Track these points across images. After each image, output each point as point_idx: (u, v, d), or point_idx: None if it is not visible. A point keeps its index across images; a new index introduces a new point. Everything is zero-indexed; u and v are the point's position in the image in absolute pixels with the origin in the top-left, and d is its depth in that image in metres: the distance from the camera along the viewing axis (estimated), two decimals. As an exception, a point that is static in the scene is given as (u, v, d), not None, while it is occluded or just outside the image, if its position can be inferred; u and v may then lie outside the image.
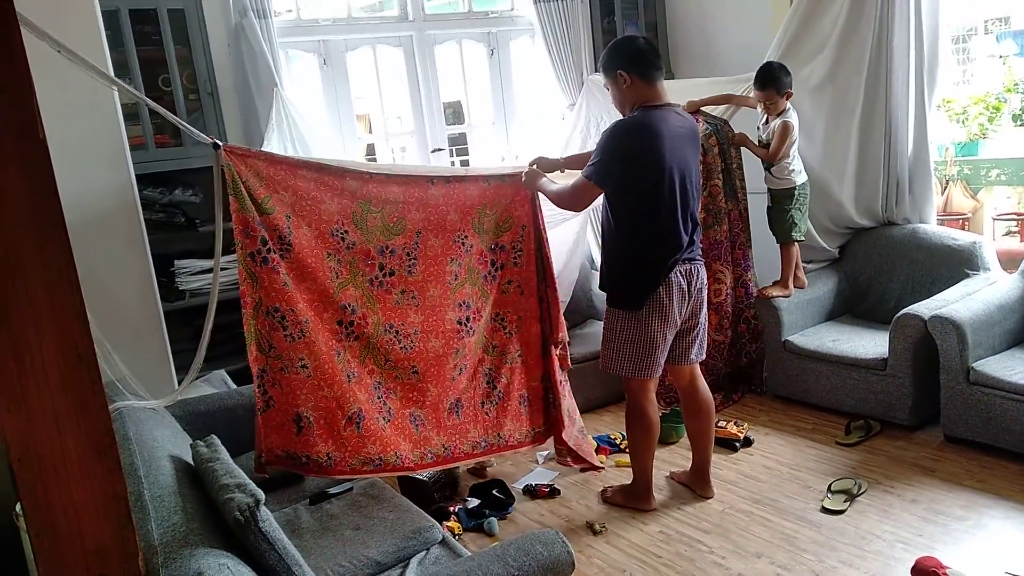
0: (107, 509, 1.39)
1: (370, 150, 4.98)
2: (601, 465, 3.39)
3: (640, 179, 2.68)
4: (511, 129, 4.78)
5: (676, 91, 4.27)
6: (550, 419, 3.17)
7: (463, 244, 2.92)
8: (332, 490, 2.61)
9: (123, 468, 1.82)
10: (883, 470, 3.16)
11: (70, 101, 2.79)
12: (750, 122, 3.83)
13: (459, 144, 5.00)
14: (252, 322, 2.48)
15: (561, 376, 3.17)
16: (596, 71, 2.90)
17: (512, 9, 4.67)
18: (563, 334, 3.15)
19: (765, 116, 3.65)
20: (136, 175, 3.30)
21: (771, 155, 3.62)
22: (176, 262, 3.70)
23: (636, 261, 2.80)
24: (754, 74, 3.62)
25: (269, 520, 1.55)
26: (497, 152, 4.79)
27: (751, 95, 3.66)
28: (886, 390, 3.47)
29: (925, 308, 3.37)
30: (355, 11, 4.28)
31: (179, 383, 3.21)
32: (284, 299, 2.52)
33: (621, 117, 2.80)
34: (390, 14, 4.41)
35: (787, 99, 3.59)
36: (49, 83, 2.73)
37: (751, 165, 3.89)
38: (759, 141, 3.73)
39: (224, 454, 1.87)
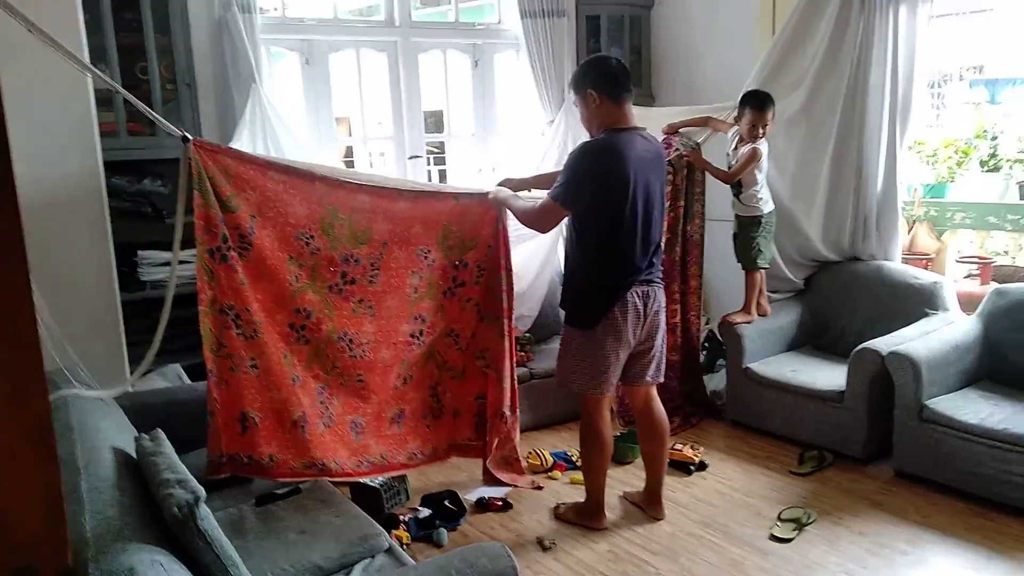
0: (38, 499, 1.36)
1: (348, 152, 4.97)
2: (524, 484, 3.37)
3: (604, 201, 2.70)
4: (490, 141, 4.79)
5: (655, 118, 4.36)
6: (479, 435, 3.19)
7: (426, 258, 2.93)
8: (279, 491, 2.57)
9: (61, 458, 1.79)
10: (833, 501, 3.19)
11: (41, 81, 2.75)
12: (720, 148, 3.88)
13: (437, 153, 5.01)
14: (206, 320, 2.46)
15: (507, 412, 3.17)
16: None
17: (499, 22, 4.70)
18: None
19: (735, 142, 3.70)
20: (105, 162, 3.24)
21: (730, 176, 3.66)
22: (139, 252, 3.65)
23: (593, 280, 2.82)
24: (735, 102, 3.68)
25: (208, 518, 1.53)
26: (475, 163, 4.80)
27: (729, 119, 3.71)
28: (841, 422, 3.51)
29: (884, 344, 3.42)
30: (341, 13, 4.28)
31: (131, 374, 3.18)
32: (239, 298, 2.50)
33: (588, 137, 2.83)
34: (376, 18, 4.41)
35: (766, 125, 3.62)
36: (20, 62, 2.70)
37: (716, 192, 3.93)
38: (728, 167, 3.78)
39: (168, 449, 1.84)
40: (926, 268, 4.84)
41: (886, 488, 3.29)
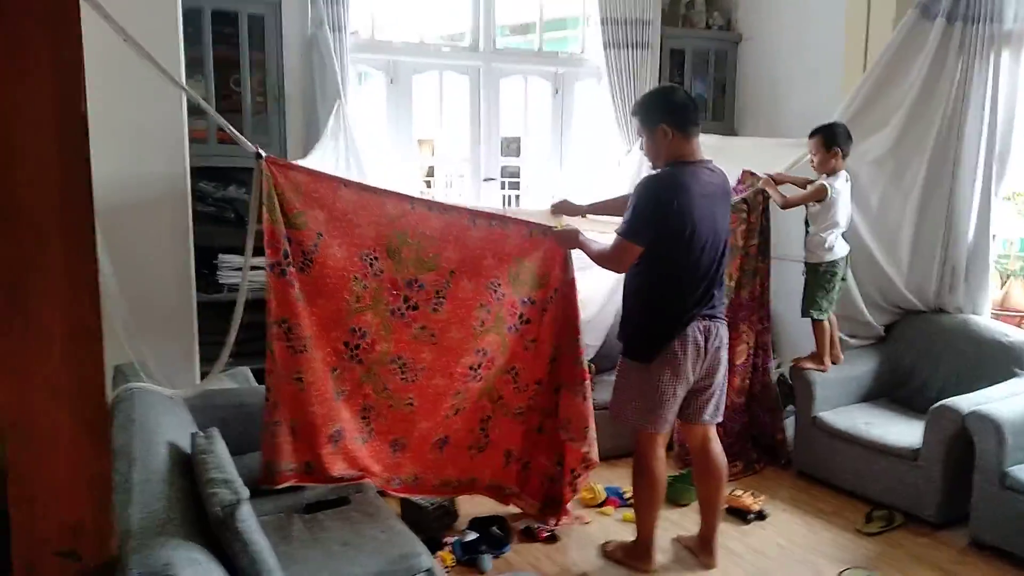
0: (89, 487, 1.40)
1: (430, 172, 5.05)
2: (580, 515, 3.31)
3: (667, 235, 2.66)
4: (566, 168, 4.79)
5: (736, 148, 4.28)
6: (526, 485, 3.14)
7: (495, 292, 2.90)
8: (328, 499, 2.60)
9: (118, 448, 1.85)
10: (901, 566, 3.01)
11: (137, 87, 2.89)
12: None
13: (512, 178, 5.04)
14: (268, 333, 2.52)
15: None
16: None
17: (582, 51, 4.71)
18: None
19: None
20: (193, 167, 3.40)
21: (785, 202, 3.56)
22: (220, 256, 3.79)
23: (652, 313, 2.76)
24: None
25: (249, 520, 1.55)
26: (549, 189, 4.80)
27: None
28: (915, 482, 3.32)
29: (965, 402, 3.22)
30: (427, 37, 4.37)
31: (201, 374, 3.28)
32: (293, 312, 2.54)
33: (654, 170, 2.79)
34: (461, 43, 4.49)
35: (833, 157, 3.49)
36: (117, 66, 2.84)
37: (796, 231, 3.81)
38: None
39: (220, 448, 1.88)
40: (1020, 326, 4.57)
41: (960, 558, 3.08)
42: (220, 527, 1.52)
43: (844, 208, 3.58)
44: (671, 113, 2.71)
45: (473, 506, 3.33)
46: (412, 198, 2.82)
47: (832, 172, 3.53)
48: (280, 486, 2.61)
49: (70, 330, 1.36)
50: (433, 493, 3.01)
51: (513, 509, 3.24)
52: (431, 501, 3.13)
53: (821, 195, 3.49)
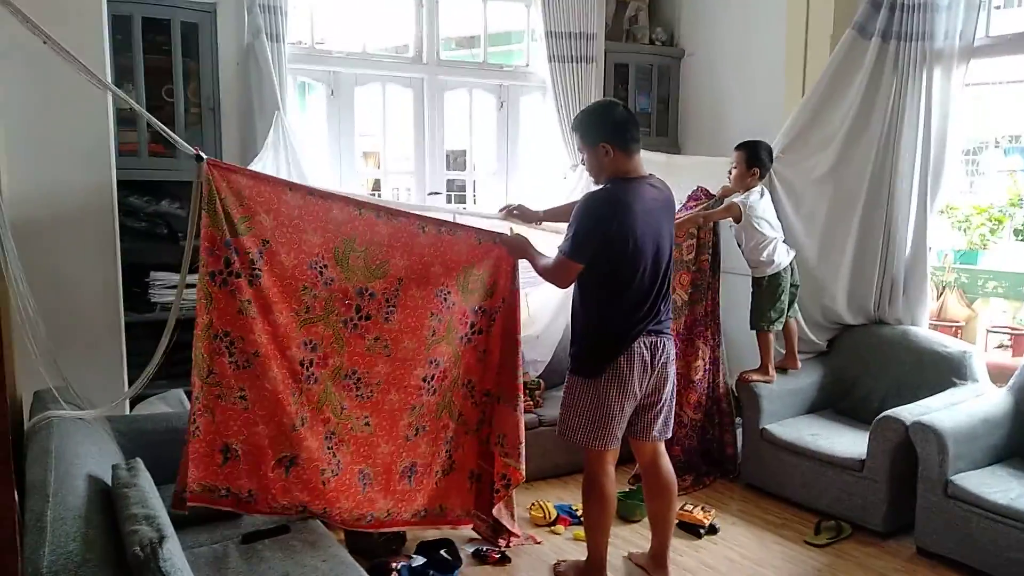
0: (-10, 527, 1.27)
1: (376, 185, 4.95)
2: (530, 535, 3.25)
3: (609, 252, 2.62)
4: (512, 182, 4.74)
5: (681, 165, 4.30)
6: (487, 504, 3.04)
7: (445, 300, 2.82)
8: (266, 528, 2.47)
9: (31, 484, 1.71)
10: (849, 578, 3.02)
11: (59, 95, 2.76)
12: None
13: (459, 191, 4.97)
14: (200, 345, 2.38)
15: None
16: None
17: (527, 65, 4.68)
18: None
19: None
20: (124, 181, 3.25)
21: (704, 216, 3.63)
22: (152, 273, 3.61)
23: (599, 329, 2.72)
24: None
25: (172, 559, 1.43)
26: (496, 203, 4.74)
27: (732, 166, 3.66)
28: (861, 492, 3.34)
29: (908, 413, 3.26)
30: (370, 47, 4.29)
31: (132, 399, 3.11)
32: (236, 325, 2.42)
33: (597, 186, 2.76)
34: (404, 54, 4.41)
35: (751, 176, 3.57)
36: (39, 73, 2.70)
37: (735, 245, 3.85)
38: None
39: (144, 480, 1.75)
40: (956, 336, 4.69)
41: (906, 566, 3.10)
42: (141, 568, 1.40)
43: (768, 221, 3.62)
44: (611, 131, 2.67)
45: (420, 529, 3.22)
46: (360, 202, 2.72)
47: (747, 188, 3.58)
48: (202, 506, 2.46)
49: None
50: (405, 526, 2.90)
51: (466, 532, 3.14)
52: (376, 526, 3.01)
53: (734, 213, 3.53)
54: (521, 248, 2.89)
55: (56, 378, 2.36)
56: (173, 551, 1.45)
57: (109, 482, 1.86)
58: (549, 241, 2.92)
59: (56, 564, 1.40)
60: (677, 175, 3.67)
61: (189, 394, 3.28)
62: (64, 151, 2.83)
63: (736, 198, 3.58)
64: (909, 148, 3.76)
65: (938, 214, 4.04)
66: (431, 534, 3.16)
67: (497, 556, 3.06)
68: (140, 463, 1.88)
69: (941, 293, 5.00)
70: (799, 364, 3.88)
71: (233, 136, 3.81)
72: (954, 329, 4.85)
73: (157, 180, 3.61)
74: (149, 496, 1.65)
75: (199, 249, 2.37)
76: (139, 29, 3.46)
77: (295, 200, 2.53)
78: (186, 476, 2.41)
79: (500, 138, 4.68)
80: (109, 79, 2.96)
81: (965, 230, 5.24)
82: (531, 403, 3.86)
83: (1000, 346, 4.88)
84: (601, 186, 2.73)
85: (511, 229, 3.05)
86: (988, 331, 4.87)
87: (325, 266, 2.58)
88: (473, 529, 3.15)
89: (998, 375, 3.79)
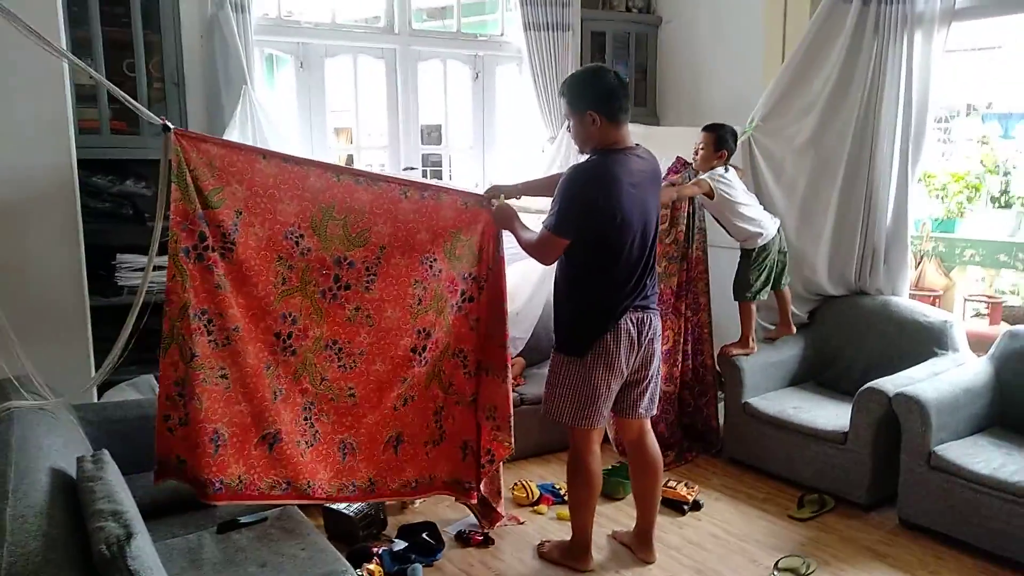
0: (-59, 532, 1.19)
1: (349, 161, 4.83)
2: (513, 516, 3.20)
3: (597, 227, 2.55)
4: (489, 156, 4.65)
5: (661, 137, 4.22)
6: (477, 477, 2.95)
7: (431, 267, 2.73)
8: (243, 519, 2.40)
9: (-10, 479, 1.62)
10: (834, 550, 3.01)
11: (12, 71, 2.62)
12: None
13: (434, 167, 4.87)
14: (177, 324, 2.28)
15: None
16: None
17: (502, 34, 4.57)
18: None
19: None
20: (86, 160, 3.13)
21: (673, 190, 3.55)
22: (118, 255, 3.49)
23: (584, 305, 2.66)
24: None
25: (141, 558, 1.35)
26: (472, 178, 4.66)
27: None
28: (844, 465, 3.34)
29: (891, 384, 3.25)
30: (340, 18, 4.15)
31: (101, 386, 3.01)
32: (215, 302, 2.33)
33: (580, 156, 2.68)
34: (375, 25, 4.28)
35: (718, 159, 3.53)
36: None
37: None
38: None
39: (111, 472, 1.67)
40: (933, 305, 4.70)
41: (890, 538, 3.11)
42: (108, 568, 1.33)
43: (742, 194, 3.58)
44: (599, 99, 2.57)
45: (401, 513, 3.18)
46: (338, 168, 2.61)
47: (711, 169, 3.54)
48: (214, 503, 2.38)
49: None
50: (392, 496, 2.81)
51: (448, 513, 3.09)
52: (357, 509, 2.95)
53: (704, 188, 3.49)
54: (506, 219, 2.79)
55: (17, 367, 2.26)
56: (142, 548, 1.37)
57: (75, 475, 1.78)
58: (529, 221, 2.83)
59: (16, 566, 1.33)
60: (656, 147, 3.60)
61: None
62: (20, 129, 2.70)
63: (705, 176, 3.53)
64: (890, 114, 3.71)
65: (918, 182, 4.01)
66: (413, 518, 3.11)
67: (480, 538, 3.02)
68: (106, 455, 1.79)
69: (919, 262, 5.00)
70: (794, 329, 3.85)
71: (199, 112, 3.67)
72: (932, 298, 4.85)
73: (121, 159, 3.47)
74: (116, 490, 1.57)
75: (170, 226, 2.27)
76: (96, 0, 3.31)
77: (269, 168, 2.43)
78: (168, 445, 2.32)
79: (476, 110, 4.58)
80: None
81: (942, 198, 5.23)
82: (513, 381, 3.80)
83: (977, 315, 4.91)
84: (586, 157, 2.64)
85: (500, 199, 2.95)
86: (966, 299, 4.89)
87: (301, 236, 2.49)
88: (464, 503, 3.07)
89: (976, 344, 3.79)
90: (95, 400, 2.90)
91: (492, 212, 2.81)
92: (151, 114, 2.25)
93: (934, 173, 5.29)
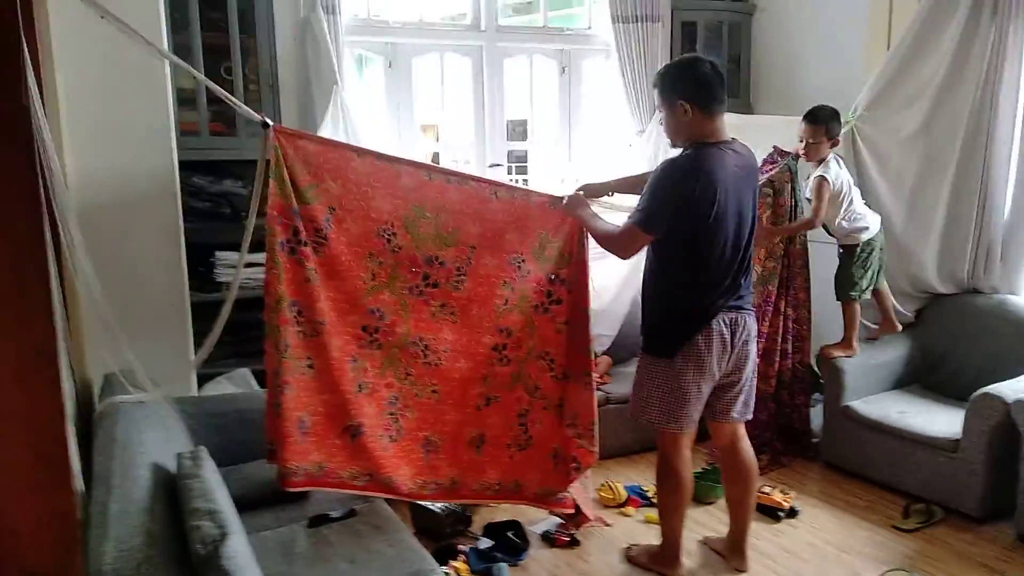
0: (51, 528, 1.24)
1: (435, 159, 4.87)
2: (599, 517, 3.10)
3: (689, 224, 2.46)
4: (575, 151, 4.59)
5: (756, 127, 4.06)
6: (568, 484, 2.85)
7: (519, 268, 2.69)
8: (333, 513, 2.44)
9: (97, 474, 1.69)
10: (944, 566, 2.83)
11: (119, 77, 2.73)
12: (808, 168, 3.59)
13: (519, 162, 4.84)
14: (273, 316, 2.34)
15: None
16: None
17: (589, 28, 4.50)
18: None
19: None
20: (186, 161, 3.24)
21: (814, 217, 3.37)
22: (216, 253, 3.61)
23: (675, 305, 2.58)
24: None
25: (236, 558, 1.38)
26: (558, 174, 4.61)
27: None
28: (954, 474, 3.14)
29: (1009, 389, 3.03)
30: (427, 17, 4.17)
31: (199, 378, 3.12)
32: (304, 294, 2.37)
33: (674, 150, 2.59)
34: (461, 22, 4.28)
35: (832, 146, 3.36)
36: (96, 56, 2.68)
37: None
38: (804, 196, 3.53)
39: (207, 470, 1.71)
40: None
41: (1007, 555, 2.90)
42: (204, 566, 1.36)
43: (849, 188, 3.42)
44: (691, 88, 2.48)
45: (488, 511, 3.17)
46: (429, 168, 2.63)
47: (823, 161, 3.37)
48: (296, 490, 2.44)
49: (21, 352, 1.18)
50: (474, 499, 2.79)
51: (537, 513, 3.04)
52: (444, 506, 2.96)
53: (823, 190, 3.34)
54: (578, 207, 2.69)
55: (124, 361, 2.35)
56: (237, 548, 1.40)
57: (174, 470, 1.84)
58: (619, 220, 2.75)
59: (119, 561, 1.37)
60: (751, 137, 3.47)
61: (257, 373, 3.31)
62: (126, 134, 2.82)
63: (827, 173, 3.36)
64: (1009, 102, 3.46)
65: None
66: (499, 516, 3.10)
67: (567, 539, 2.98)
68: (204, 451, 1.85)
69: (1039, 258, 4.65)
70: (899, 326, 3.65)
71: (292, 112, 3.76)
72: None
73: (218, 160, 3.59)
74: (213, 488, 1.61)
75: (265, 221, 2.32)
76: (196, 5, 3.42)
77: (363, 166, 2.45)
78: (283, 459, 2.36)
79: (562, 106, 4.52)
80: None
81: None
82: (599, 380, 3.74)
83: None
84: (679, 151, 2.55)
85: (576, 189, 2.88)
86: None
87: (394, 233, 2.50)
88: (558, 514, 2.99)
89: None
90: (195, 394, 3.00)
91: (564, 203, 2.73)
92: (251, 111, 2.30)
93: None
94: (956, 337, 3.68)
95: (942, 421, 3.27)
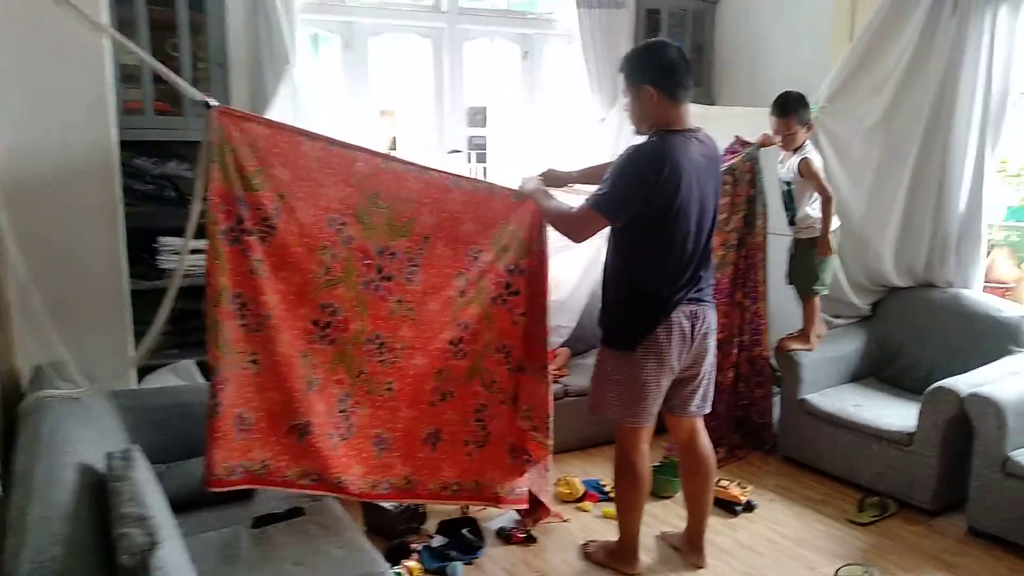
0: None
1: (394, 144, 4.74)
2: (557, 512, 3.06)
3: (651, 213, 2.40)
4: (536, 137, 4.50)
5: (717, 118, 4.02)
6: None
7: (476, 259, 2.60)
8: (280, 512, 2.33)
9: (18, 475, 1.56)
10: (898, 559, 2.84)
11: (52, 50, 2.56)
12: (772, 160, 3.58)
13: (479, 149, 4.74)
14: (214, 309, 2.22)
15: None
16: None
17: (551, 12, 4.41)
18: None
19: (782, 154, 3.42)
20: (129, 141, 3.08)
21: (825, 196, 3.32)
22: (160, 238, 3.45)
23: (634, 297, 2.52)
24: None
25: (165, 569, 1.27)
26: (519, 160, 4.52)
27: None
28: (908, 468, 3.15)
29: (963, 383, 3.05)
30: (386, -3, 4.03)
31: (139, 370, 2.98)
32: (248, 285, 2.26)
33: (638, 136, 2.52)
34: (422, 3, 4.16)
35: (807, 131, 3.35)
36: (27, 27, 2.52)
37: (773, 203, 3.61)
38: (780, 181, 3.49)
39: (139, 471, 1.60)
40: (1004, 297, 4.43)
41: (959, 547, 2.92)
42: (130, 577, 1.25)
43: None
44: (658, 73, 2.42)
45: (441, 506, 3.09)
46: (387, 156, 2.52)
47: (800, 147, 3.34)
48: (227, 489, 2.33)
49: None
50: (431, 499, 2.70)
51: (493, 510, 2.98)
52: (396, 504, 2.88)
53: (814, 166, 3.30)
54: (532, 185, 2.63)
55: (55, 352, 2.22)
56: (167, 559, 1.29)
57: (105, 470, 1.72)
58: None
59: (36, 572, 1.26)
60: (714, 128, 3.43)
61: (202, 364, 3.18)
62: (60, 110, 2.65)
63: (810, 155, 3.33)
64: (967, 96, 3.47)
65: (996, 169, 3.75)
66: (454, 513, 3.03)
67: (523, 536, 2.93)
68: (136, 450, 1.73)
69: (989, 252, 4.73)
70: (814, 344, 3.58)
71: (243, 93, 3.59)
72: (1003, 291, 4.59)
73: (164, 140, 3.41)
74: (144, 491, 1.50)
75: (208, 207, 2.20)
76: (140, -22, 3.25)
77: (314, 151, 2.34)
78: (213, 459, 2.26)
79: (524, 91, 4.44)
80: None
81: (1018, 185, 4.92)
82: (556, 373, 3.68)
83: (1054, 309, 4.61)
84: (644, 138, 2.49)
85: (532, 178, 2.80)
86: (1042, 293, 4.59)
87: (344, 223, 2.40)
88: (515, 509, 2.91)
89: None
90: (135, 386, 2.86)
91: (517, 189, 2.65)
92: (194, 90, 2.18)
93: (1006, 158, 4.99)
94: (911, 330, 3.71)
95: (897, 414, 3.28)
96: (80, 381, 2.11)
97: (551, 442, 2.73)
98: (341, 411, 2.48)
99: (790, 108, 3.31)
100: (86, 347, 2.51)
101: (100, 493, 1.60)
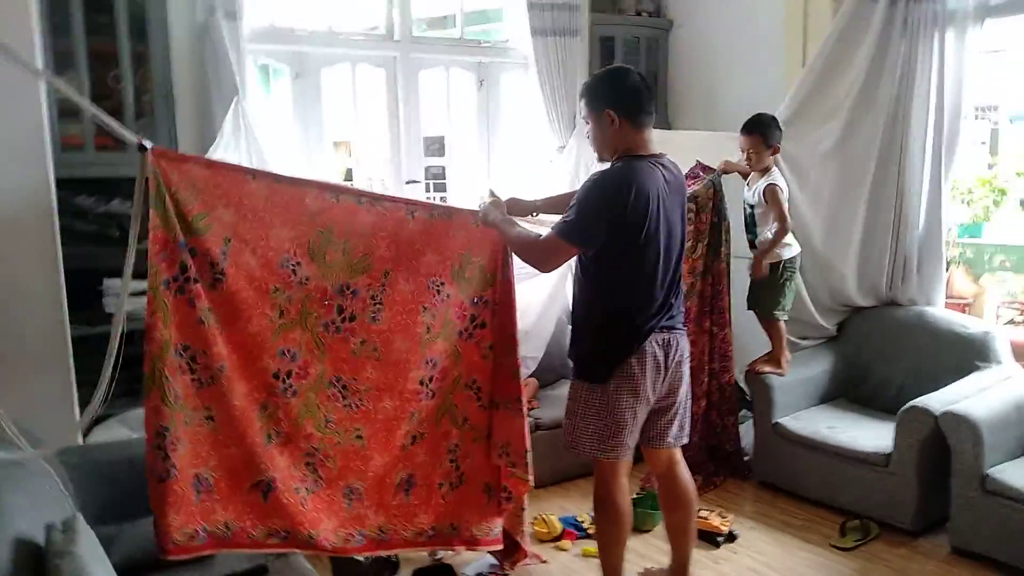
0: None
1: (349, 175, 4.63)
2: (535, 554, 2.94)
3: (621, 241, 2.33)
4: (495, 167, 4.44)
5: (678, 142, 4.02)
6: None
7: (439, 292, 2.50)
8: (241, 570, 2.17)
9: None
10: (884, 584, 2.79)
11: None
12: (736, 184, 3.59)
13: (437, 179, 4.65)
14: (158, 364, 2.07)
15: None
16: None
17: (507, 40, 4.37)
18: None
19: (751, 175, 3.44)
20: (70, 179, 2.93)
21: (782, 225, 3.32)
22: (105, 281, 3.26)
23: (606, 328, 2.44)
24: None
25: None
26: (478, 191, 4.44)
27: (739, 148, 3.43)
28: (887, 489, 3.12)
29: (936, 402, 3.03)
30: (336, 26, 3.94)
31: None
32: (197, 337, 2.12)
33: (601, 163, 2.47)
34: (374, 32, 4.08)
35: (772, 154, 3.37)
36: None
37: (735, 227, 3.60)
38: (744, 203, 3.49)
39: (83, 545, 1.43)
40: (963, 312, 4.49)
41: (944, 568, 2.88)
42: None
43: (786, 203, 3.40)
44: (619, 98, 2.37)
45: (415, 553, 2.93)
46: (337, 188, 2.43)
47: (767, 170, 3.35)
48: (187, 557, 2.16)
49: None
50: (406, 547, 2.54)
51: (467, 555, 2.84)
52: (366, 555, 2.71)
53: (780, 193, 3.32)
54: (492, 211, 2.51)
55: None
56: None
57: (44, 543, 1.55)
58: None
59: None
60: (672, 153, 3.42)
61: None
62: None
63: (776, 180, 3.34)
64: (920, 117, 3.52)
65: (951, 187, 3.81)
66: (425, 559, 2.87)
67: (501, 580, 2.79)
68: (79, 520, 1.56)
69: (947, 270, 4.80)
70: (785, 369, 3.55)
71: (189, 125, 3.45)
72: (962, 306, 4.66)
73: (106, 177, 3.24)
74: (89, 566, 1.34)
75: (147, 253, 2.06)
76: (79, 8, 3.09)
77: (260, 190, 2.22)
78: (168, 526, 2.09)
79: (480, 120, 4.38)
80: (40, 65, 2.61)
81: (968, 203, 5.04)
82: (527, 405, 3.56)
83: (1011, 322, 4.70)
84: (608, 164, 2.42)
85: (490, 192, 2.70)
86: (1000, 307, 4.68)
87: (299, 263, 2.28)
88: (489, 551, 2.81)
89: (1018, 353, 3.58)
90: (79, 442, 2.66)
91: (479, 217, 2.55)
92: (127, 132, 2.03)
93: (957, 178, 5.10)
94: (878, 350, 3.70)
95: (871, 435, 3.25)
96: (20, 443, 1.92)
97: (531, 477, 2.63)
98: (308, 464, 2.35)
99: (756, 127, 3.33)
100: (25, 399, 2.33)
101: (40, 571, 1.43)
